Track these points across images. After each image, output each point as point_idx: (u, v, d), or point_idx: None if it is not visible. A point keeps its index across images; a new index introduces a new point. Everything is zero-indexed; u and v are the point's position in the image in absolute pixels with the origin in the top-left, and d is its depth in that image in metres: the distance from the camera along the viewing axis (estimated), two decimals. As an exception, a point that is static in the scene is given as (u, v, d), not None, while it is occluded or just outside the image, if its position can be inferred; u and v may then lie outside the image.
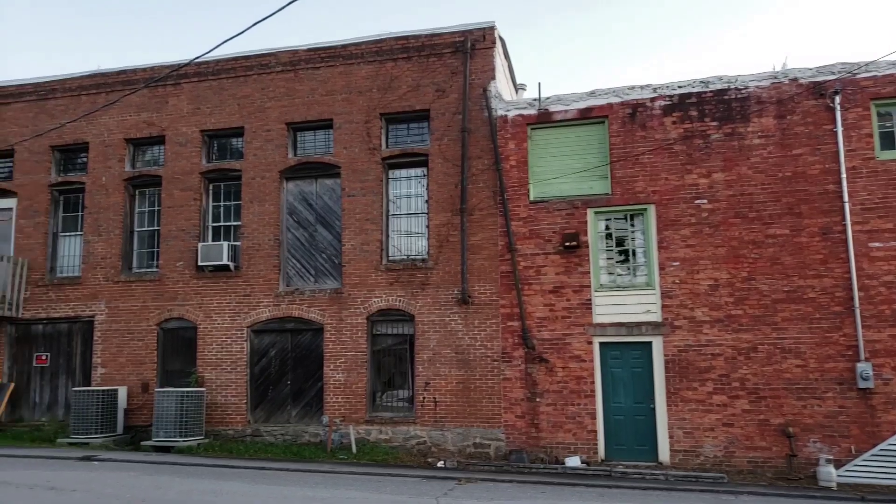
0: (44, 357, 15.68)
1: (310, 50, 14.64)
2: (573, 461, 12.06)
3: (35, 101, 16.36)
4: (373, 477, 10.92)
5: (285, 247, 14.58)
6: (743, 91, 12.42)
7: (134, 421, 14.47)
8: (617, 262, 12.82)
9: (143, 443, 13.46)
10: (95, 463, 11.69)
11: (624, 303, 12.53)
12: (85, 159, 16.06)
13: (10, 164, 16.54)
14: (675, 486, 10.72)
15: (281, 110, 14.71)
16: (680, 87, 12.67)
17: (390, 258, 14.01)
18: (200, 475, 10.76)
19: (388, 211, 14.15)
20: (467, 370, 13.01)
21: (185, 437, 13.09)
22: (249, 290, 14.43)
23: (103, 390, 14.04)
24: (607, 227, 12.90)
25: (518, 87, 15.52)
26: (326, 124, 14.55)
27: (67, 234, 16.20)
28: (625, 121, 12.86)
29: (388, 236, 14.10)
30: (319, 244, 14.51)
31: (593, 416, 12.36)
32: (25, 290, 15.77)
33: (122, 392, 14.42)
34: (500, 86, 13.82)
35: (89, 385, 14.85)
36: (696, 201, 12.38)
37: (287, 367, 14.23)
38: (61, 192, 16.22)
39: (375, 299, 13.72)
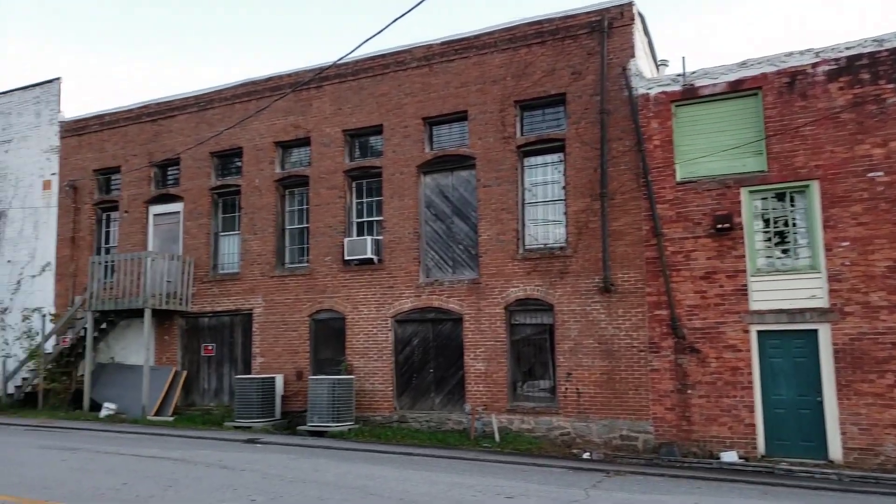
0: (210, 347, 17.06)
1: (443, 43, 14.80)
2: (729, 456, 11.32)
3: (196, 112, 17.82)
4: (518, 466, 10.86)
5: (424, 239, 14.86)
6: (924, 48, 11.04)
7: (290, 407, 15.37)
8: (775, 244, 11.86)
9: (298, 427, 14.27)
10: (258, 445, 12.53)
11: (784, 288, 11.56)
12: (239, 164, 17.27)
13: (178, 172, 18.14)
14: (850, 487, 9.75)
15: (417, 106, 15.00)
16: (848, 48, 11.46)
17: (527, 247, 13.87)
18: (353, 459, 11.20)
19: (523, 199, 14.01)
20: (611, 361, 12.59)
21: (337, 422, 13.71)
22: (392, 282, 14.85)
23: (262, 378, 15.05)
24: (763, 207, 11.97)
25: (659, 64, 14.79)
26: (461, 116, 14.65)
27: (227, 233, 17.51)
28: (781, 91, 11.85)
29: (524, 225, 13.96)
30: (456, 235, 14.65)
31: (751, 410, 11.53)
32: (193, 285, 17.23)
33: (279, 380, 15.37)
34: (641, 63, 13.23)
35: (249, 373, 15.97)
36: (869, 174, 11.16)
37: (429, 356, 14.52)
38: (220, 195, 17.56)
39: (513, 289, 13.64)
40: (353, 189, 15.88)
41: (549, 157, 13.95)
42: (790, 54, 11.84)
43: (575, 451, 12.21)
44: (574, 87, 13.48)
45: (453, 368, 14.18)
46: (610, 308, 12.73)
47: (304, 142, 16.37)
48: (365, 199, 15.79)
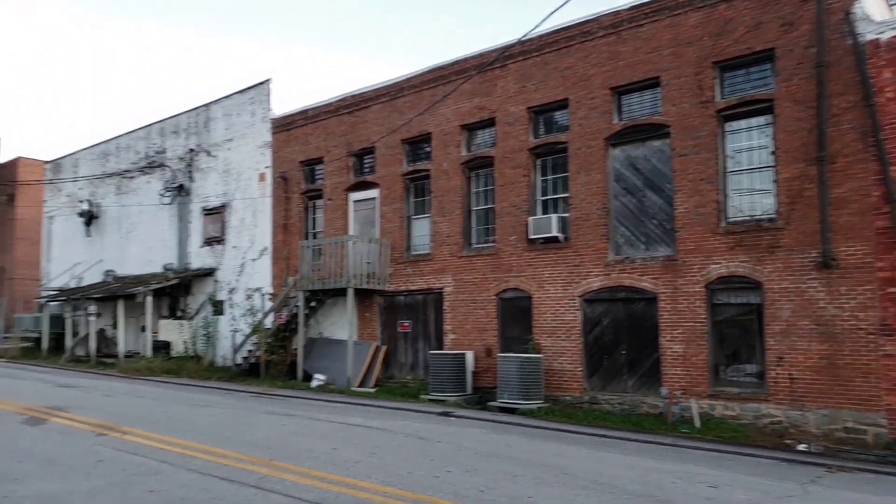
0: (406, 324, 17.93)
1: (632, 8, 14.03)
2: None
3: (388, 101, 18.68)
4: (720, 454, 10.09)
5: (613, 215, 14.29)
6: None
7: (479, 383, 15.67)
8: None
9: (489, 403, 14.50)
10: (452, 418, 12.91)
11: None
12: (428, 149, 17.84)
13: (373, 160, 19.19)
14: None
15: (604, 76, 14.40)
16: None
17: (730, 220, 12.76)
18: (544, 437, 11.13)
19: (724, 168, 12.89)
20: (832, 344, 11.21)
21: (527, 400, 13.72)
22: (579, 261, 14.49)
23: (454, 354, 15.51)
24: None
25: (892, 4, 12.79)
26: (652, 83, 13.81)
27: (418, 216, 18.22)
28: None
29: (726, 196, 12.85)
30: (649, 210, 13.90)
31: None
32: (389, 266, 18.19)
33: (469, 356, 15.73)
34: (868, 5, 11.50)
35: (441, 349, 16.53)
36: None
37: (621, 337, 13.98)
38: (411, 180, 18.29)
39: (714, 266, 12.65)
40: (538, 167, 15.70)
41: (753, 121, 12.68)
42: None
43: (788, 441, 11.06)
44: (784, 40, 12.09)
45: (647, 350, 13.53)
46: (830, 286, 11.32)
47: (489, 122, 16.47)
48: (550, 177, 15.54)
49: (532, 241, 15.18)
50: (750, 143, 12.71)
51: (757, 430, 11.67)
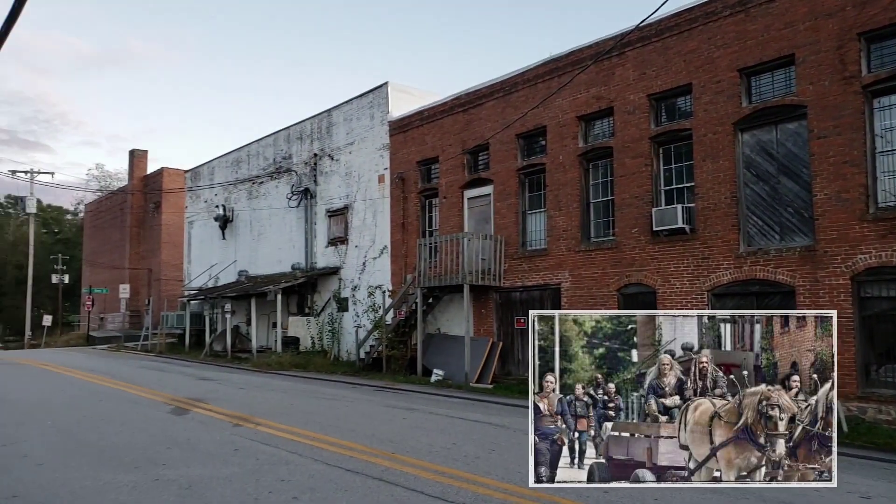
0: (522, 320, 17.75)
1: (761, -18, 13.10)
2: None
3: (501, 96, 18.59)
4: (873, 462, 9.16)
5: (744, 203, 13.41)
6: None
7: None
8: None
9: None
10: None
11: None
12: (543, 142, 17.56)
13: (487, 156, 19.17)
14: None
15: (731, 57, 13.54)
16: None
17: (880, 206, 11.60)
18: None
19: (873, 148, 11.73)
20: None
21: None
22: (707, 253, 13.72)
23: (573, 351, 15.14)
24: None
25: None
26: (786, 61, 12.81)
27: (533, 211, 18.00)
28: None
29: (875, 179, 11.69)
30: (783, 197, 12.91)
31: None
32: (504, 262, 18.10)
33: (590, 354, 15.30)
34: None
35: (561, 346, 16.19)
36: None
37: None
38: (526, 175, 18.09)
39: (861, 256, 11.54)
40: (660, 155, 15.02)
41: (906, 95, 11.45)
42: None
43: (956, 452, 9.88)
44: (942, 2, 10.82)
45: (785, 348, 12.56)
46: None
47: (607, 112, 15.97)
48: (673, 165, 14.83)
49: (655, 234, 14.55)
50: (903, 119, 11.50)
51: (917, 437, 10.52)
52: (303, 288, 25.56)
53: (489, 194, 19.02)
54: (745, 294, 13.21)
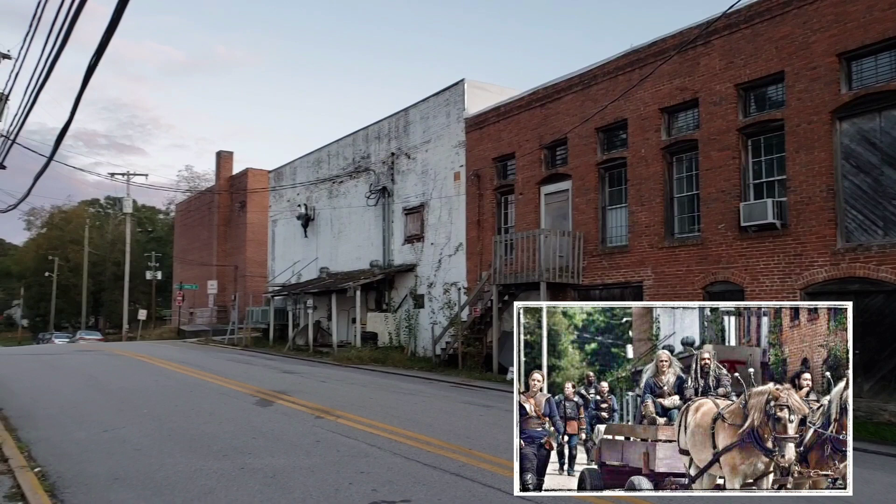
0: (602, 319, 17.35)
1: (863, -41, 12.28)
2: None
3: (580, 90, 18.23)
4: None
5: (842, 197, 12.60)
6: None
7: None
8: None
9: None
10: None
11: None
12: (624, 136, 17.10)
13: (565, 151, 18.85)
14: None
15: (828, 42, 12.75)
16: None
17: None
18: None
19: None
20: None
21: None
22: (800, 249, 12.99)
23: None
24: None
25: None
26: (890, 44, 11.96)
27: (613, 206, 17.56)
28: None
29: None
30: (888, 190, 12.05)
31: None
32: (583, 259, 17.74)
33: (673, 354, 14.79)
34: None
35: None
36: None
37: (854, 335, 12.25)
38: (606, 170, 17.67)
39: (978, 253, 10.63)
40: (749, 148, 14.33)
41: None
42: None
43: None
44: None
45: (888, 351, 11.75)
46: None
47: (691, 104, 15.37)
48: (763, 158, 14.12)
49: (744, 229, 13.91)
50: None
51: None
52: (381, 284, 25.95)
53: (567, 190, 18.70)
54: (843, 293, 12.41)
